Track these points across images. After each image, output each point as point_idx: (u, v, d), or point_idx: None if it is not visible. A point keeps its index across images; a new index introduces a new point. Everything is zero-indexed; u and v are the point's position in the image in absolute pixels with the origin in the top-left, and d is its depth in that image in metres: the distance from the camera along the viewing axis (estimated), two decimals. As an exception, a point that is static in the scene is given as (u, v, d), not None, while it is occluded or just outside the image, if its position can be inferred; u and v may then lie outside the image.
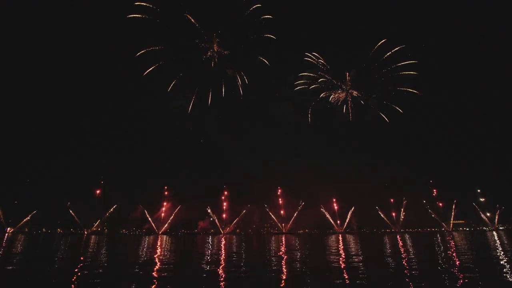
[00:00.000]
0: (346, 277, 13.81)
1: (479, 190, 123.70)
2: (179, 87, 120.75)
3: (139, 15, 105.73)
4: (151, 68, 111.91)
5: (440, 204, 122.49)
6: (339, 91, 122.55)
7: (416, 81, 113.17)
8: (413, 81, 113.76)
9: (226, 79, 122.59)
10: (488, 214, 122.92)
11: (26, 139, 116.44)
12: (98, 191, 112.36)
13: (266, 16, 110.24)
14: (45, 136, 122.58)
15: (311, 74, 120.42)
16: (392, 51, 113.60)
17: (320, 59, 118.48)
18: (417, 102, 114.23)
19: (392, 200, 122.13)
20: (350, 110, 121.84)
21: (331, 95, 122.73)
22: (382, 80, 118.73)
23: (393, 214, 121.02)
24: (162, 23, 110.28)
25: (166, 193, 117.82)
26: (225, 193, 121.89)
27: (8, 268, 17.34)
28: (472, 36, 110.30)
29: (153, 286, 12.13)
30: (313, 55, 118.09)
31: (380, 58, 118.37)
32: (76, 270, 16.40)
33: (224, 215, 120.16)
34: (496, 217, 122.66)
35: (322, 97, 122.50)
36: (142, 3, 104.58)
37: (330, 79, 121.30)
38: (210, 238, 69.71)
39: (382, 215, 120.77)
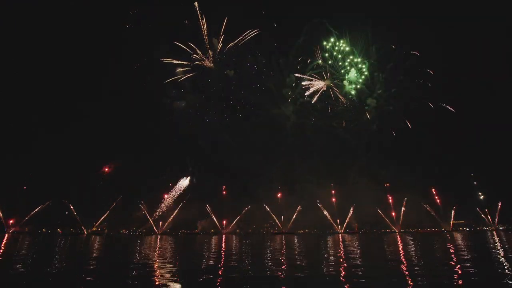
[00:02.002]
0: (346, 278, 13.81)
1: (479, 190, 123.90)
2: (181, 88, 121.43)
3: (136, 22, 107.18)
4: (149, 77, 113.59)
5: (440, 204, 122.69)
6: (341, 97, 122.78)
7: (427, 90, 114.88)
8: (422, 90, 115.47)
9: (227, 81, 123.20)
10: (488, 214, 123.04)
11: (24, 137, 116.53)
12: (97, 191, 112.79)
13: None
14: (43, 135, 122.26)
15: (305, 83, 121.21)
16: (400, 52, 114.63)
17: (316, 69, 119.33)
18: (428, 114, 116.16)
19: (392, 200, 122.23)
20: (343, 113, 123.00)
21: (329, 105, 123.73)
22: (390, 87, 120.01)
23: (393, 214, 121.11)
24: (161, 28, 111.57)
25: (165, 194, 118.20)
26: (225, 193, 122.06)
27: (9, 268, 17.35)
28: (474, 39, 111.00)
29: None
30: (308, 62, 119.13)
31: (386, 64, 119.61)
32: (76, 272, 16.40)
33: (224, 215, 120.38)
34: (496, 217, 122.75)
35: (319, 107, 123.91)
36: (137, 11, 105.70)
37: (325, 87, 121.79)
38: (212, 239, 69.72)
39: (382, 215, 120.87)
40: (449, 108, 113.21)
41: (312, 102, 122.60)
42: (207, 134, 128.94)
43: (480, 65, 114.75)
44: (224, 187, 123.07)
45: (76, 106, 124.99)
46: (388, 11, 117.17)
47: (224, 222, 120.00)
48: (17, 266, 18.44)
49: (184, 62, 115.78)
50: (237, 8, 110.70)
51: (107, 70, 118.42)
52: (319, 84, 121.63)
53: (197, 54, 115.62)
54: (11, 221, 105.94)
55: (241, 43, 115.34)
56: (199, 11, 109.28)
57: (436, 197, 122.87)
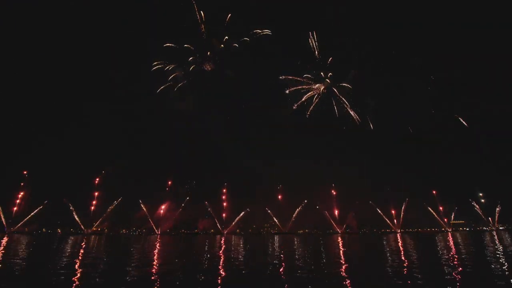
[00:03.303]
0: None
1: (479, 190, 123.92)
2: (183, 89, 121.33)
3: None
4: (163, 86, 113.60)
5: (440, 204, 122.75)
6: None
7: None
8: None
9: (227, 82, 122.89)
10: (488, 214, 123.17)
11: (24, 136, 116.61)
12: (97, 192, 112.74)
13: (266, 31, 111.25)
14: (43, 135, 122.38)
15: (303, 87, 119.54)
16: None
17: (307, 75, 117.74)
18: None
19: (392, 200, 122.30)
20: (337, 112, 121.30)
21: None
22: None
23: (393, 214, 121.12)
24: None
25: (166, 194, 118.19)
26: (226, 193, 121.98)
27: (9, 268, 17.29)
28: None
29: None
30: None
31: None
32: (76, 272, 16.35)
33: (224, 215, 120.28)
34: (496, 217, 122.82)
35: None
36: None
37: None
38: (210, 239, 69.60)
39: (382, 215, 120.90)
40: (463, 122, 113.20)
41: (311, 108, 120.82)
42: (208, 134, 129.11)
43: (480, 67, 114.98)
44: (224, 187, 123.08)
45: (77, 107, 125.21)
46: (389, 15, 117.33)
47: (224, 222, 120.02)
48: (19, 267, 18.39)
49: (183, 65, 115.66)
50: (237, 11, 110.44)
51: (109, 70, 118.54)
52: (316, 88, 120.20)
53: (198, 55, 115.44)
54: (10, 221, 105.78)
55: (242, 44, 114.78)
56: (198, 13, 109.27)
57: (436, 197, 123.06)
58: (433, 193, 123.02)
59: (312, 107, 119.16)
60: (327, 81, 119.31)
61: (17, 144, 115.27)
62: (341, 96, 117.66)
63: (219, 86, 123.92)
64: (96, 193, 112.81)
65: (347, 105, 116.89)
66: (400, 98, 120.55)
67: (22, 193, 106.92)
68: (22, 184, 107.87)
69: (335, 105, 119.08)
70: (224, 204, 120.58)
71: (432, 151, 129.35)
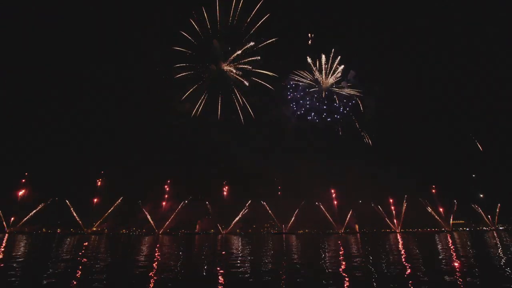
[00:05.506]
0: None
1: (479, 190, 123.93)
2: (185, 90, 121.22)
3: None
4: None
5: (440, 204, 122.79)
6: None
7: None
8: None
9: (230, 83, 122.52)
10: (488, 214, 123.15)
11: (24, 135, 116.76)
12: (97, 191, 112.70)
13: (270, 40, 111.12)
14: (44, 134, 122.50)
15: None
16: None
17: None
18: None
19: (392, 200, 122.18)
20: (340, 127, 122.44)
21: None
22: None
23: (393, 214, 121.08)
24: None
25: (166, 194, 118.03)
26: (226, 193, 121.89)
27: (9, 268, 17.30)
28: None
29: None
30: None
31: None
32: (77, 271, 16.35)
33: (224, 215, 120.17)
34: (496, 217, 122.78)
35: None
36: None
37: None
38: (210, 238, 69.58)
39: (383, 215, 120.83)
40: (478, 145, 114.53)
41: (310, 117, 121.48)
42: (209, 134, 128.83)
43: (479, 67, 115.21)
44: (225, 186, 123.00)
45: (79, 107, 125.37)
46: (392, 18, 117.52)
47: (224, 222, 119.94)
48: (18, 267, 18.41)
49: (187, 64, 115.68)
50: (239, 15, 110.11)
51: (114, 72, 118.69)
52: (317, 87, 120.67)
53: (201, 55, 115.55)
54: (10, 221, 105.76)
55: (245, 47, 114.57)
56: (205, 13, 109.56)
57: (436, 197, 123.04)
58: (433, 193, 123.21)
59: (311, 115, 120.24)
60: (324, 85, 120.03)
61: (17, 144, 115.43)
62: (351, 114, 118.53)
63: (221, 85, 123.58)
64: (97, 193, 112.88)
65: (359, 128, 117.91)
66: (401, 98, 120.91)
67: (22, 193, 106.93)
68: (23, 184, 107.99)
69: (340, 126, 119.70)
70: (224, 204, 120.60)
71: (433, 151, 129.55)
